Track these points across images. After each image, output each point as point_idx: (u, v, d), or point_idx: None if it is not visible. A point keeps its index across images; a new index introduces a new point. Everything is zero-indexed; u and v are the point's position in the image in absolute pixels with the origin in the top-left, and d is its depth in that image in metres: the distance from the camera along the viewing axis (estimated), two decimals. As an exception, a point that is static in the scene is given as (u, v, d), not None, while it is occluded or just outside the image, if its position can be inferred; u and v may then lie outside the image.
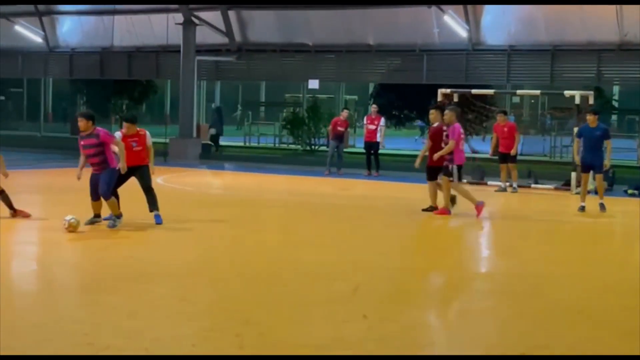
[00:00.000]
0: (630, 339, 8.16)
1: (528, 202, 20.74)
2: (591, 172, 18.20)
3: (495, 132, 22.74)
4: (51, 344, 7.49)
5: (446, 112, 16.91)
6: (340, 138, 26.82)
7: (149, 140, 15.42)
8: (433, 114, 17.54)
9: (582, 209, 17.84)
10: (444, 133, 16.65)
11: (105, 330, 7.90)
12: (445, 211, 16.77)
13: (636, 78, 28.05)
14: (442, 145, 16.54)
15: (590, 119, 17.93)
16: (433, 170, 17.00)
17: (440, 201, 16.81)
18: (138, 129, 15.31)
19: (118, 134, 14.80)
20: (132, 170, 14.83)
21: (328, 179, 25.05)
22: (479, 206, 16.71)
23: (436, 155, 16.46)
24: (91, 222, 14.03)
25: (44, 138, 42.35)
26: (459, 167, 16.81)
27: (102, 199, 13.74)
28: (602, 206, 17.73)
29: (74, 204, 16.47)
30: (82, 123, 13.82)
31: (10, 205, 14.87)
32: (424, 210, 17.04)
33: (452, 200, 16.97)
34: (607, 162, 18.09)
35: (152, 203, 14.96)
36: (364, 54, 31.30)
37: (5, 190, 14.87)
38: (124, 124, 14.98)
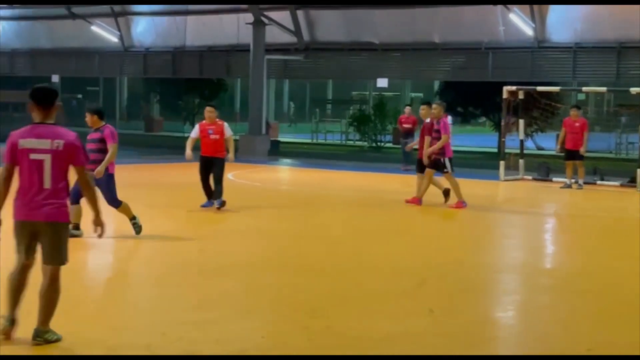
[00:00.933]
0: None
1: (594, 199, 20.43)
2: None
3: (564, 126, 22.20)
4: (127, 332, 7.61)
5: (434, 106, 17.05)
6: (408, 134, 26.77)
7: (228, 130, 16.02)
8: (424, 109, 17.70)
9: None
10: (434, 128, 16.85)
11: (178, 322, 7.98)
12: (461, 204, 16.94)
13: None
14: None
15: None
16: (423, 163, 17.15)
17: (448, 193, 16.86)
18: (217, 119, 15.96)
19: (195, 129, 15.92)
20: (208, 161, 15.42)
21: (393, 175, 24.94)
22: (460, 203, 16.90)
23: (429, 151, 16.58)
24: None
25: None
26: (450, 160, 16.89)
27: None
28: None
29: (148, 197, 16.71)
30: (87, 118, 13.00)
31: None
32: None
33: (446, 193, 17.14)
34: None
35: (218, 194, 15.45)
36: (429, 52, 31.18)
37: None
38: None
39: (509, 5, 27.71)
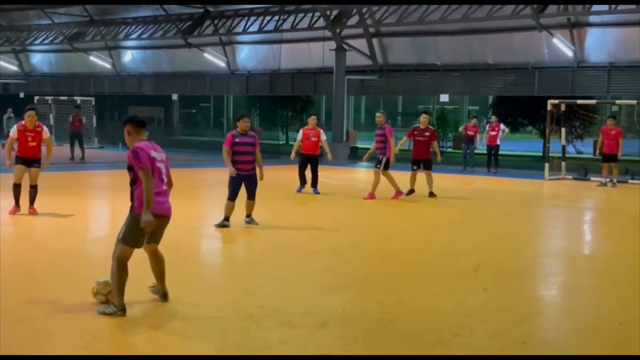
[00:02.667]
0: None
1: (626, 195, 19.99)
2: None
3: (602, 134, 21.99)
4: (231, 305, 7.66)
5: (378, 114, 16.84)
6: (471, 140, 26.76)
7: (323, 135, 18.57)
8: (425, 117, 18.26)
9: None
10: (377, 132, 17.27)
11: (274, 296, 8.03)
12: (399, 193, 17.18)
13: None
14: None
15: None
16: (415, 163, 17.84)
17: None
18: (317, 126, 18.46)
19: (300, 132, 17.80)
20: (307, 157, 17.95)
21: (455, 175, 24.74)
22: (398, 192, 17.18)
23: (392, 154, 16.91)
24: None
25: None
26: (387, 160, 16.93)
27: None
28: None
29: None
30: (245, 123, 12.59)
31: (32, 200, 13.37)
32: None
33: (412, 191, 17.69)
34: None
35: (315, 183, 17.96)
36: (484, 72, 30.91)
37: (37, 187, 13.44)
38: None
39: (552, 31, 27.31)
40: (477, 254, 10.94)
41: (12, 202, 13.40)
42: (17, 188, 13.38)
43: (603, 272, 10.07)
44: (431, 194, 17.59)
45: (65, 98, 37.59)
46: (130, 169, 7.26)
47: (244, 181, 12.55)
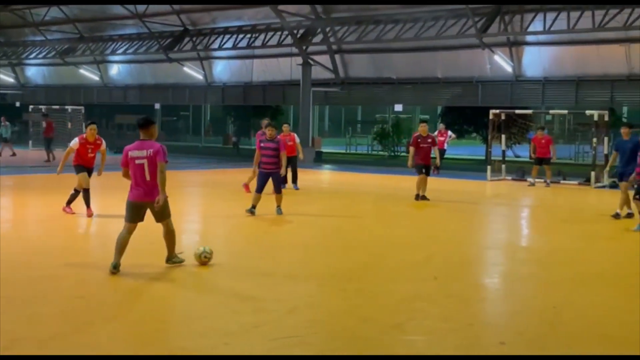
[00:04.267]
0: (634, 297, 7.92)
1: (559, 194, 20.25)
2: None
3: (533, 142, 22.31)
4: (209, 294, 7.62)
5: (267, 124, 14.91)
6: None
7: (297, 138, 19.16)
8: (424, 126, 17.36)
9: (617, 215, 14.04)
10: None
11: (249, 285, 8.02)
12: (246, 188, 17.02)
13: (641, 101, 27.26)
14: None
15: (624, 132, 14.44)
16: (422, 168, 16.81)
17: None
18: (290, 132, 19.02)
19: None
20: (289, 160, 16.53)
21: (407, 176, 24.82)
22: (245, 186, 17.14)
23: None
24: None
25: (204, 147, 43.30)
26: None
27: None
28: (617, 215, 13.95)
29: (225, 194, 16.80)
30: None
31: (88, 203, 13.06)
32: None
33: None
34: (633, 177, 13.05)
35: (294, 180, 18.73)
36: (433, 85, 31.08)
37: (89, 189, 13.17)
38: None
39: (493, 49, 27.55)
40: (429, 246, 11.02)
41: (15, 203, 13.02)
42: (86, 192, 13.09)
43: (539, 261, 10.16)
44: (423, 197, 16.82)
45: (58, 107, 37.43)
46: None
47: (270, 177, 13.53)
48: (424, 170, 16.83)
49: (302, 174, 19.85)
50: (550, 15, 25.06)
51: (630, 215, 14.05)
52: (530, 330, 6.60)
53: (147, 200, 8.34)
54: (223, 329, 6.38)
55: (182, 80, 38.63)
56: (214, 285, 8.21)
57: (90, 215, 13.02)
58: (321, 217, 14.43)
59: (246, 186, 17.22)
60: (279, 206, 13.79)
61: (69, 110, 36.57)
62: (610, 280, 8.84)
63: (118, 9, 34.81)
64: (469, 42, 27.51)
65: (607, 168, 14.87)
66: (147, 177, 8.23)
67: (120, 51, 38.06)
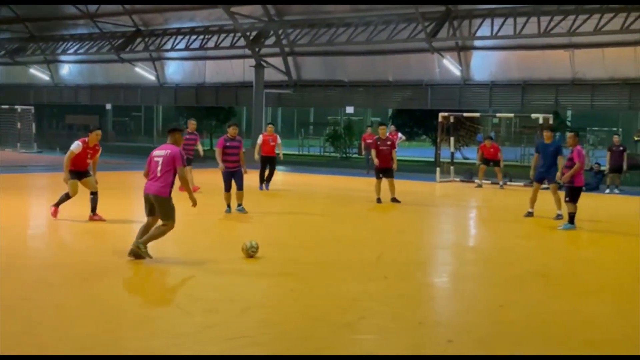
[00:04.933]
0: (579, 297, 8.08)
1: (505, 195, 20.54)
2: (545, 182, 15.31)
3: (481, 149, 22.68)
4: (161, 294, 7.53)
5: (232, 126, 14.48)
6: (369, 148, 27.02)
7: (279, 139, 19.96)
8: (383, 129, 17.55)
9: (530, 214, 14.82)
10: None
11: (201, 286, 7.94)
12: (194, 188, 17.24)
13: (584, 104, 27.83)
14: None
15: (546, 136, 14.94)
16: (381, 171, 16.82)
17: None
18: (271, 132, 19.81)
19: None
20: (268, 159, 19.20)
21: (358, 177, 24.97)
22: (194, 187, 16.68)
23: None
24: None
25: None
26: (189, 160, 16.36)
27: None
28: (559, 216, 14.34)
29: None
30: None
31: (94, 207, 12.60)
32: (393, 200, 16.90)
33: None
34: (559, 175, 13.99)
35: (269, 179, 19.17)
36: (384, 87, 31.29)
37: (97, 193, 12.68)
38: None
39: (442, 53, 27.84)
40: (379, 246, 11.06)
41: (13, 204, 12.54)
42: (68, 197, 12.49)
43: (486, 261, 10.30)
44: (394, 200, 16.82)
45: (7, 107, 36.70)
46: None
47: (233, 176, 13.93)
48: (381, 175, 16.83)
49: (254, 175, 19.75)
50: (498, 21, 25.47)
51: (560, 217, 14.30)
52: (478, 329, 6.67)
53: (148, 193, 9.16)
54: (174, 330, 6.30)
55: (134, 81, 38.17)
56: (165, 286, 8.12)
57: (98, 219, 12.45)
58: (275, 217, 14.39)
59: (195, 187, 17.24)
60: (240, 204, 14.11)
61: (19, 110, 35.88)
62: (553, 279, 8.99)
63: (69, 9, 34.26)
64: (419, 46, 27.77)
65: (532, 171, 15.34)
66: (158, 174, 9.12)
67: (71, 51, 37.45)
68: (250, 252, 9.41)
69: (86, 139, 12.53)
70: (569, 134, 14.14)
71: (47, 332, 6.17)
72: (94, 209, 12.56)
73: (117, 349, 5.80)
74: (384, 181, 16.84)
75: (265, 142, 19.49)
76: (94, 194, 12.56)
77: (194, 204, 9.48)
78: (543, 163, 14.83)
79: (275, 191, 19.11)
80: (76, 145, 12.41)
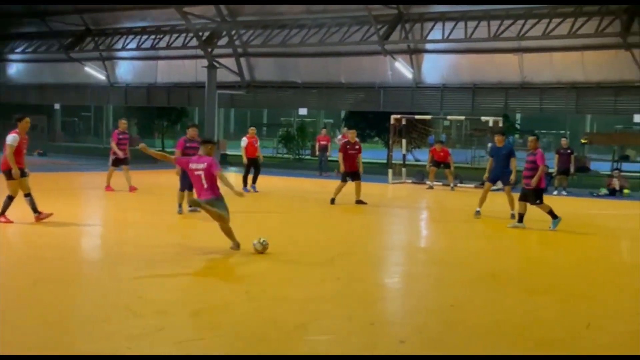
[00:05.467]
0: (528, 296, 8.23)
1: (456, 196, 20.78)
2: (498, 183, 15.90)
3: (431, 153, 22.97)
4: (111, 297, 7.44)
5: (192, 128, 14.93)
6: (324, 149, 27.24)
7: (258, 142, 20.40)
8: (353, 132, 17.80)
9: (478, 213, 15.15)
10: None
11: (152, 288, 7.85)
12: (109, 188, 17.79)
13: (533, 108, 28.29)
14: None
15: (498, 140, 15.24)
16: (350, 174, 17.18)
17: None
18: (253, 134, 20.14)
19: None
20: (254, 161, 19.56)
21: (312, 179, 25.02)
22: (107, 188, 17.80)
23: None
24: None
25: (105, 148, 42.07)
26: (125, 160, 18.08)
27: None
28: (513, 216, 14.53)
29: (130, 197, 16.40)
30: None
31: (35, 208, 12.21)
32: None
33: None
34: (512, 177, 14.73)
35: (254, 181, 19.47)
36: (337, 89, 31.34)
37: (31, 193, 12.21)
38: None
39: (395, 56, 28.05)
40: (332, 247, 11.09)
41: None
42: (11, 200, 11.94)
43: (437, 261, 10.40)
44: (360, 202, 17.03)
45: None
46: None
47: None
48: (348, 178, 17.09)
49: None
50: (449, 25, 25.74)
51: (514, 216, 14.51)
52: (430, 329, 6.74)
53: (207, 198, 10.09)
54: (125, 331, 6.23)
55: (84, 80, 37.49)
56: (116, 288, 8.00)
57: (43, 218, 12.11)
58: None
59: (132, 188, 17.69)
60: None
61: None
62: (503, 279, 9.13)
63: (18, 7, 33.55)
64: (372, 48, 27.89)
65: (487, 174, 15.64)
66: (205, 186, 10.07)
67: (19, 50, 36.71)
68: (261, 248, 9.96)
69: (17, 129, 11.96)
70: (530, 138, 14.48)
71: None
72: (35, 209, 12.17)
73: (70, 350, 5.71)
74: (350, 184, 17.07)
75: (250, 144, 19.91)
76: (29, 195, 12.11)
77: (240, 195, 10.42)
78: (496, 165, 15.17)
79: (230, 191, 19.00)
80: (12, 138, 11.82)
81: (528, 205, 13.71)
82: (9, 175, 11.90)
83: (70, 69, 36.74)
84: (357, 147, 17.38)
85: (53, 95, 39.91)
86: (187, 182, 13.61)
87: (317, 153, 29.00)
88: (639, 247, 12.35)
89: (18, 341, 5.93)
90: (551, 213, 13.60)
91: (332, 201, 16.83)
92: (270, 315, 6.94)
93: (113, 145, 18.40)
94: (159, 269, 8.93)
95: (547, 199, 14.41)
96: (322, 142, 27.51)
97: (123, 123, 18.84)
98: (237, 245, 10.18)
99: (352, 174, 17.18)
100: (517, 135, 38.71)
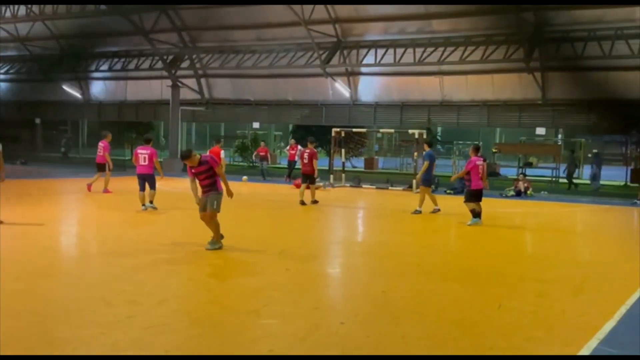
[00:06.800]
0: (447, 282, 8.35)
1: (387, 198, 20.96)
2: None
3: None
4: (86, 289, 7.28)
5: (147, 138, 15.28)
6: (263, 159, 27.54)
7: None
8: (312, 143, 18.27)
9: (418, 212, 15.77)
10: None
11: (121, 280, 7.71)
12: (89, 188, 18.17)
13: (452, 122, 28.73)
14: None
15: (425, 147, 16.65)
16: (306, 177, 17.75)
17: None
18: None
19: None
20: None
21: (263, 183, 24.91)
22: (89, 186, 18.29)
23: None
24: None
25: (81, 158, 41.23)
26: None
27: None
28: (418, 211, 15.65)
29: (107, 199, 16.05)
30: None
31: None
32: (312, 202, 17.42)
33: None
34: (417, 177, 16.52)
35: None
36: (285, 106, 31.35)
37: None
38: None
39: (334, 77, 28.20)
40: (281, 243, 11.06)
41: None
42: None
43: (371, 253, 10.48)
44: (314, 202, 17.55)
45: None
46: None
47: (145, 179, 14.60)
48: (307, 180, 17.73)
49: (172, 182, 19.36)
50: (380, 51, 26.03)
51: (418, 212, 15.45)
52: (364, 312, 6.79)
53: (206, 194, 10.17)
54: (99, 319, 6.11)
55: (62, 98, 36.71)
56: (88, 280, 7.84)
57: None
58: (191, 224, 14.12)
59: (107, 190, 17.92)
60: (151, 201, 14.75)
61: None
62: (426, 269, 9.26)
63: (1, 32, 32.63)
64: (315, 71, 28.01)
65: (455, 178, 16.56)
66: (205, 183, 10.03)
67: (2, 71, 35.69)
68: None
69: None
70: (470, 148, 14.98)
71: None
72: None
73: (47, 337, 5.57)
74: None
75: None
76: None
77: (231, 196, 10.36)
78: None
79: (188, 195, 18.76)
80: None
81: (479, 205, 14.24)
82: None
83: (50, 88, 35.94)
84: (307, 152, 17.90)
85: (34, 111, 39.07)
86: (141, 185, 14.50)
87: (257, 162, 29.15)
88: (539, 239, 12.68)
89: (6, 325, 5.76)
90: (474, 213, 13.86)
91: (302, 202, 17.12)
92: (227, 303, 6.90)
93: (107, 155, 18.60)
94: (128, 263, 8.77)
95: (461, 199, 14.76)
96: (261, 153, 27.86)
97: (110, 136, 19.42)
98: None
99: (305, 177, 17.80)
100: (439, 145, 39.29)
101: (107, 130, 20.45)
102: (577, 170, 28.16)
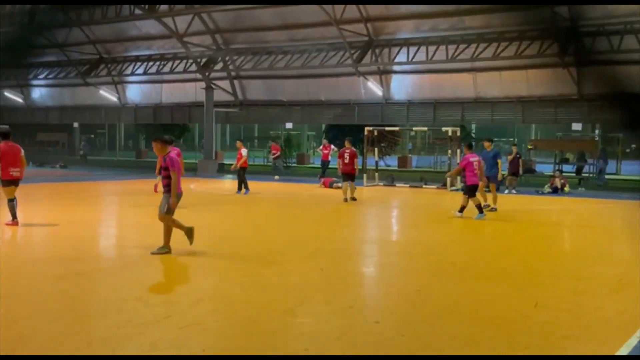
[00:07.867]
0: (483, 281, 8.27)
1: (422, 196, 20.84)
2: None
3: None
4: (124, 289, 7.39)
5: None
6: (277, 158, 27.81)
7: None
8: (350, 143, 18.83)
9: (486, 207, 15.40)
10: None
11: (158, 282, 7.79)
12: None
13: (485, 119, 28.46)
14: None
15: (486, 145, 16.40)
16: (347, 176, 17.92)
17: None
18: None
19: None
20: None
21: (294, 183, 24.95)
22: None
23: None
24: None
25: (119, 161, 41.95)
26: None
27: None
28: (492, 209, 15.58)
29: (143, 201, 16.29)
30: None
31: (14, 213, 11.78)
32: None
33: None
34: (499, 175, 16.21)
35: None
36: (318, 106, 31.41)
37: (16, 199, 11.88)
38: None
39: (367, 76, 28.14)
40: (315, 242, 11.09)
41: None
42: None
43: (405, 252, 10.43)
44: (353, 199, 17.84)
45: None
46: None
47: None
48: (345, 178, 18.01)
49: (207, 183, 19.56)
50: (413, 49, 25.88)
51: (492, 209, 15.44)
52: (399, 311, 6.76)
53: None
54: (137, 319, 6.20)
55: (99, 102, 37.37)
56: (128, 282, 7.96)
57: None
58: (220, 223, 14.23)
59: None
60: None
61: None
62: (461, 266, 9.18)
63: (40, 39, 33.31)
64: (347, 70, 28.01)
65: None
66: (164, 183, 9.37)
67: (42, 76, 36.47)
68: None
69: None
70: (464, 145, 15.17)
71: (23, 326, 5.98)
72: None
73: (88, 338, 5.68)
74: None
75: (242, 156, 20.10)
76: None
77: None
78: (486, 166, 15.64)
79: (227, 196, 18.92)
80: None
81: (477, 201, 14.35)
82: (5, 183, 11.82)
83: (87, 92, 36.66)
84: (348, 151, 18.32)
85: (72, 115, 39.81)
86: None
87: (272, 159, 29.64)
88: (575, 236, 12.48)
89: (45, 329, 5.89)
90: (462, 209, 14.25)
91: (346, 200, 17.52)
92: (262, 302, 6.92)
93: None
94: (165, 265, 8.89)
95: (499, 197, 14.58)
96: (273, 151, 28.11)
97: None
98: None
99: (345, 175, 18.04)
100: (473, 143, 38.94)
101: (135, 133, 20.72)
102: (605, 166, 27.61)
